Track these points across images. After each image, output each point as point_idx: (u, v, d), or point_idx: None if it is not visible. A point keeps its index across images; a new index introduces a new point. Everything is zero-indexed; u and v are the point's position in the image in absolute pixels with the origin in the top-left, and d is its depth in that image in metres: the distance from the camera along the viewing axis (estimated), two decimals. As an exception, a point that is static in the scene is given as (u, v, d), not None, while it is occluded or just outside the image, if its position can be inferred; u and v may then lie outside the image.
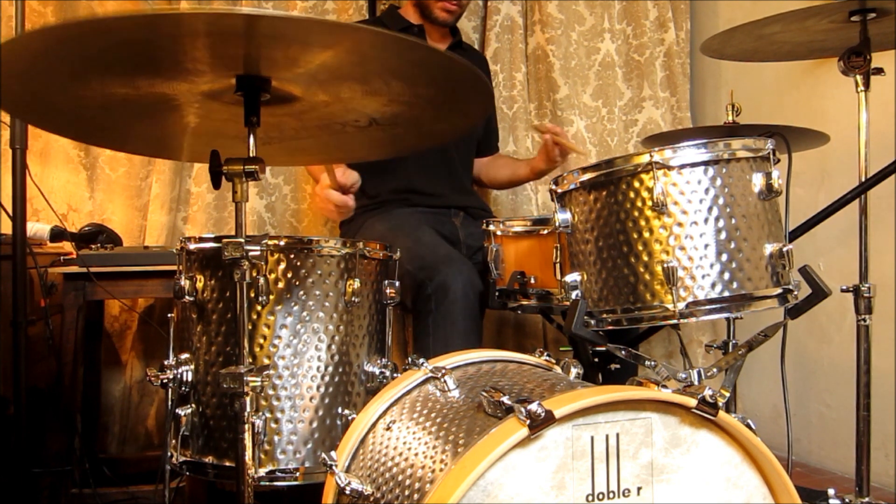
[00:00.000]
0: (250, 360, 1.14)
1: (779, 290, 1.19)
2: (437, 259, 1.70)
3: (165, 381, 1.31)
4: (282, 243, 1.30)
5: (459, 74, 1.07)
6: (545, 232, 1.52)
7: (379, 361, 1.39)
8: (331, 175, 1.71)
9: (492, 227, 1.63)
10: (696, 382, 1.26)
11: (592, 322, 1.25)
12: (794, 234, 1.50)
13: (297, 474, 1.28)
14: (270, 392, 1.27)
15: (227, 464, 1.29)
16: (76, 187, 2.36)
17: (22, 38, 0.96)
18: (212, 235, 1.35)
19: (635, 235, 1.18)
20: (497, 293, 1.63)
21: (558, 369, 1.15)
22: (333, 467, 0.99)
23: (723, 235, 1.16)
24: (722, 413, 0.86)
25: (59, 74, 1.02)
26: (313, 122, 1.25)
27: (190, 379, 1.32)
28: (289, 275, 1.30)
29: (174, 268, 1.41)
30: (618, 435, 0.83)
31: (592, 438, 0.82)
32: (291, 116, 1.22)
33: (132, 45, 0.94)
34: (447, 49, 2.14)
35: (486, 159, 2.35)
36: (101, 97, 1.10)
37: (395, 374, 1.36)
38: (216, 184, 1.09)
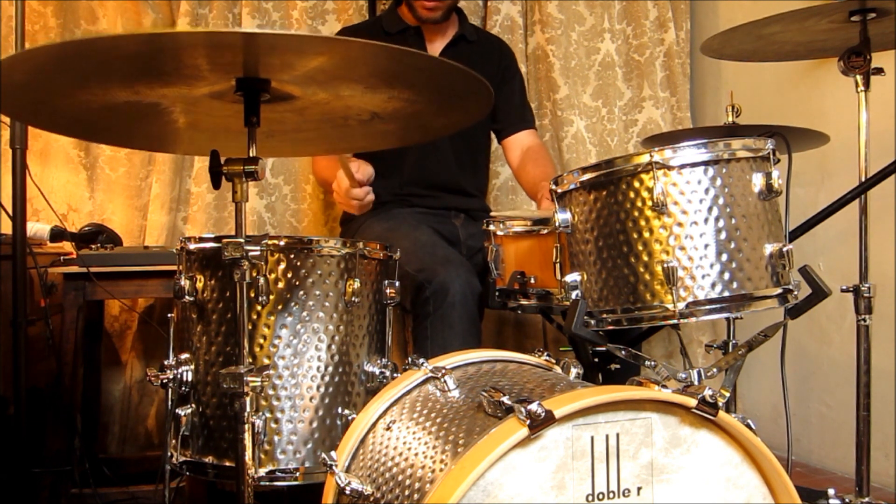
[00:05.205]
0: (250, 360, 1.14)
1: (779, 290, 1.19)
2: (436, 261, 1.70)
3: (165, 381, 1.31)
4: (282, 243, 1.30)
5: (454, 75, 1.07)
6: (545, 232, 1.52)
7: (379, 361, 1.39)
8: (347, 172, 1.70)
9: (492, 227, 1.63)
10: (696, 382, 1.26)
11: (592, 322, 1.25)
12: (794, 234, 1.50)
13: (297, 474, 1.28)
14: (270, 392, 1.27)
15: (227, 464, 1.28)
16: (76, 187, 2.36)
17: (24, 54, 0.97)
18: (212, 235, 1.35)
19: (635, 235, 1.18)
20: (497, 293, 1.63)
21: (558, 369, 1.15)
22: (333, 467, 0.99)
23: (723, 235, 1.16)
24: (722, 413, 0.86)
25: (61, 84, 1.03)
26: (315, 116, 1.25)
27: (190, 379, 1.32)
28: (289, 275, 1.30)
29: (174, 268, 1.41)
30: (618, 435, 0.83)
31: (592, 438, 0.82)
32: (293, 112, 1.23)
33: (133, 57, 0.96)
34: (448, 45, 2.13)
35: (517, 146, 2.19)
36: (101, 101, 1.10)
37: (395, 374, 1.36)
38: (216, 184, 1.10)
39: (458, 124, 1.36)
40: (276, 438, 1.27)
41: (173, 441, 1.32)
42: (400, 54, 1.00)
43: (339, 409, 1.32)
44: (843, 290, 1.54)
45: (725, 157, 1.17)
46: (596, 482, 0.82)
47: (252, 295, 1.25)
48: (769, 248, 1.18)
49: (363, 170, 1.76)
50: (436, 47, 2.13)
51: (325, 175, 2.07)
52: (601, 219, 1.22)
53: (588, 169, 1.23)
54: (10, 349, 1.67)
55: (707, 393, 0.84)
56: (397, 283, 1.43)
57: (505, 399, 0.84)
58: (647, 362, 1.30)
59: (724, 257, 1.15)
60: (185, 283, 1.33)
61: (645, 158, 1.17)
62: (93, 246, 1.95)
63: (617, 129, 2.65)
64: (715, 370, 1.32)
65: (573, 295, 1.26)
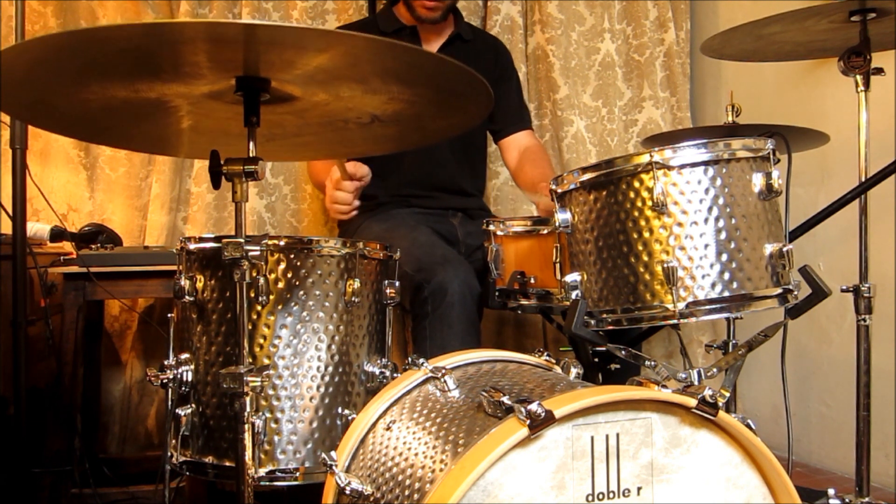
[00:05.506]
0: (250, 360, 1.14)
1: (779, 290, 1.19)
2: (434, 260, 1.70)
3: (165, 381, 1.31)
4: (282, 243, 1.30)
5: (454, 74, 1.07)
6: (545, 232, 1.52)
7: (379, 361, 1.39)
8: (341, 168, 1.70)
9: (492, 227, 1.63)
10: (696, 382, 1.26)
11: (592, 322, 1.25)
12: (794, 234, 1.50)
13: (297, 474, 1.28)
14: (270, 392, 1.27)
15: (227, 464, 1.28)
16: (76, 187, 2.36)
17: (23, 45, 0.97)
18: (212, 235, 1.35)
19: (635, 235, 1.18)
20: (497, 293, 1.63)
21: (558, 369, 1.15)
22: (333, 467, 0.99)
23: (723, 235, 1.16)
24: (722, 413, 0.86)
25: (60, 79, 1.02)
26: (315, 119, 1.25)
27: (190, 379, 1.32)
28: (289, 275, 1.30)
29: (174, 268, 1.41)
30: (618, 435, 0.83)
31: (592, 438, 0.82)
32: (293, 114, 1.23)
33: (132, 51, 0.96)
34: (444, 44, 2.14)
35: (515, 147, 2.18)
36: (101, 100, 1.10)
37: (395, 374, 1.36)
38: (216, 184, 1.10)
39: (457, 127, 1.36)
40: (276, 438, 1.27)
41: (173, 441, 1.32)
42: (401, 51, 0.99)
43: (339, 409, 1.32)
44: (843, 290, 1.54)
45: (725, 157, 1.17)
46: (596, 482, 0.82)
47: (252, 295, 1.25)
48: (769, 248, 1.18)
49: (358, 164, 1.76)
50: (432, 47, 2.13)
51: (320, 177, 2.07)
52: (601, 219, 1.22)
53: (588, 169, 1.23)
54: (10, 349, 1.67)
55: (707, 393, 0.84)
56: (397, 283, 1.43)
57: (505, 399, 0.84)
58: (647, 362, 1.30)
59: (724, 257, 1.15)
60: (185, 283, 1.32)
61: (645, 158, 1.17)
62: (93, 246, 1.95)
63: (617, 129, 2.65)
64: (715, 370, 1.32)
65: (573, 295, 1.26)
